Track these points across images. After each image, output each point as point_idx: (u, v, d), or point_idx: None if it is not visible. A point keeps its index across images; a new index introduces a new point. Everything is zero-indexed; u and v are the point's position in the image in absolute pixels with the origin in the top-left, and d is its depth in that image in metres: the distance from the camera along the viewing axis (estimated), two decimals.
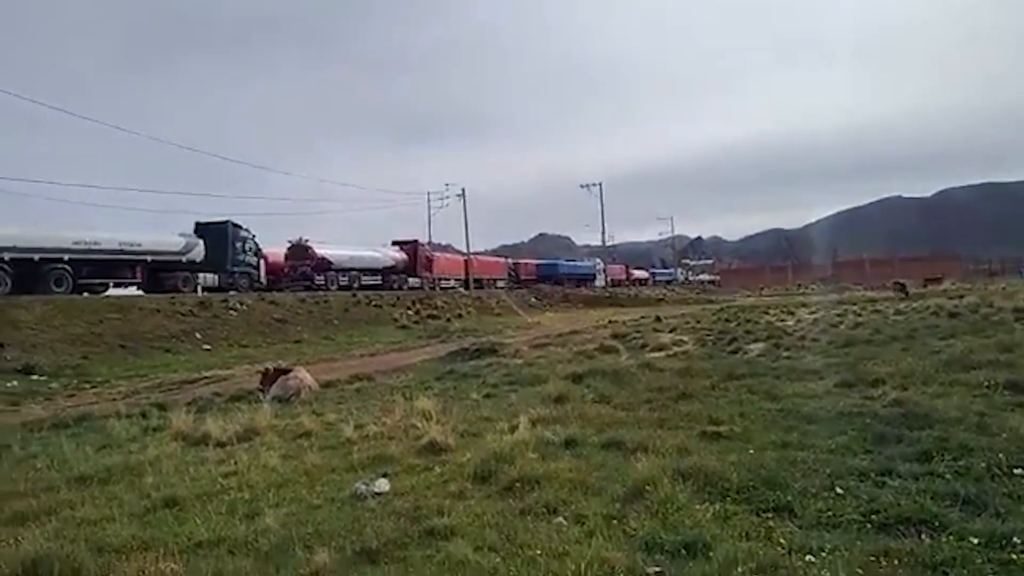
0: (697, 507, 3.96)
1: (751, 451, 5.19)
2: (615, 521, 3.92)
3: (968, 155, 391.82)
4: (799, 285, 77.93)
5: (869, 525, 3.61)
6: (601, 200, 66.93)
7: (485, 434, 6.37)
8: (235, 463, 5.98)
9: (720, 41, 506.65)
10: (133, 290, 26.48)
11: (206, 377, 14.66)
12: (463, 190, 53.61)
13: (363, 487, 4.89)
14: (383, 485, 4.95)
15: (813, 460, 4.78)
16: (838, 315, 19.81)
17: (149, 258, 27.37)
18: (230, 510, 4.61)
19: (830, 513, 3.78)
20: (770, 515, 3.83)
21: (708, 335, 16.83)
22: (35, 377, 14.76)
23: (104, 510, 4.79)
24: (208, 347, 20.62)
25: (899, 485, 4.11)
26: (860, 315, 19.19)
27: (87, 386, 13.91)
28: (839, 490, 4.07)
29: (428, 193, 54.51)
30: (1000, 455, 4.34)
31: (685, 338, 16.41)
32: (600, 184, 67.17)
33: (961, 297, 22.70)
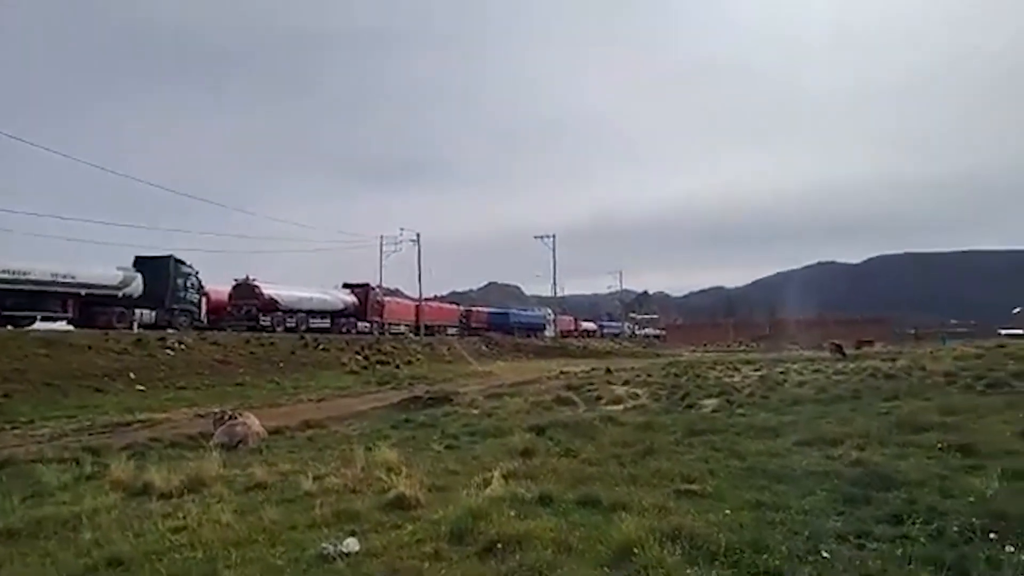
0: (688, 571, 3.86)
1: (727, 511, 5.15)
2: None
3: (896, 225, 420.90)
4: (740, 342, 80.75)
5: None
6: (553, 252, 67.89)
7: (454, 488, 6.15)
8: (184, 517, 5.54)
9: (672, 107, 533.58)
10: (63, 324, 24.93)
11: (140, 420, 13.79)
12: (418, 235, 53.33)
13: (330, 547, 4.57)
14: (352, 544, 4.65)
15: (791, 521, 4.78)
16: (781, 373, 20.41)
17: (83, 291, 25.95)
18: (184, 572, 4.22)
19: None
20: None
21: (661, 389, 17.03)
22: None
23: (37, 569, 4.32)
24: (142, 388, 19.45)
25: (880, 549, 4.13)
26: (802, 374, 19.82)
27: (8, 427, 12.81)
28: (824, 554, 4.06)
29: (381, 237, 53.84)
30: (973, 519, 4.43)
31: (639, 391, 16.55)
32: (554, 236, 68.18)
33: (894, 360, 23.77)
